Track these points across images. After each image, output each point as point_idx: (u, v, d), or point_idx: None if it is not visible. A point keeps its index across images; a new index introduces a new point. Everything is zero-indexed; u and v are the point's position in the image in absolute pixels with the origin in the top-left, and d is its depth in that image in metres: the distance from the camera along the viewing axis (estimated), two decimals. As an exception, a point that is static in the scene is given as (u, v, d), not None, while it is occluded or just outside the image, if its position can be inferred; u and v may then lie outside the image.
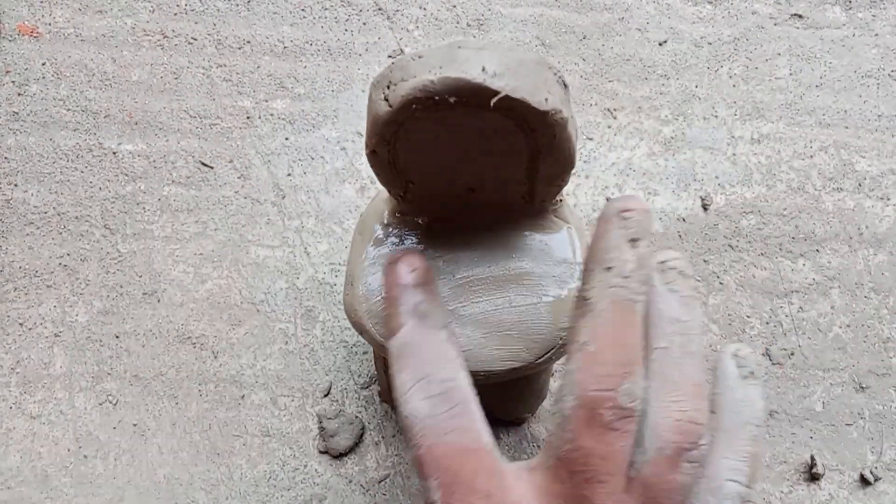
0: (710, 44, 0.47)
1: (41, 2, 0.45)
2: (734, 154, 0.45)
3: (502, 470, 0.25)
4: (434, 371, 0.27)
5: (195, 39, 0.45)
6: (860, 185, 0.45)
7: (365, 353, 0.41)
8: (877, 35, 0.47)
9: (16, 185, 0.43)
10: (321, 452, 0.40)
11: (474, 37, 0.46)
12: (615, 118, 0.45)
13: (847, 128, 0.46)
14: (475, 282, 0.30)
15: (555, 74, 0.23)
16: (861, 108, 0.46)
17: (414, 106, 0.22)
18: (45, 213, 0.42)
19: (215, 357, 0.41)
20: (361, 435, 0.40)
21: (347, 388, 0.41)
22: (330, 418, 0.40)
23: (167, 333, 0.41)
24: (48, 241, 0.42)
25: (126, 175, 0.43)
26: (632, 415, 0.23)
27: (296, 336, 0.41)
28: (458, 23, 0.46)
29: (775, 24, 0.47)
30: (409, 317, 0.28)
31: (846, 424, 0.41)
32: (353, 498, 0.39)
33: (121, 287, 0.42)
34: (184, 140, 0.44)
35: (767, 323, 0.42)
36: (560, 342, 0.29)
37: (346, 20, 0.46)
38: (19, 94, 0.44)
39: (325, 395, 0.41)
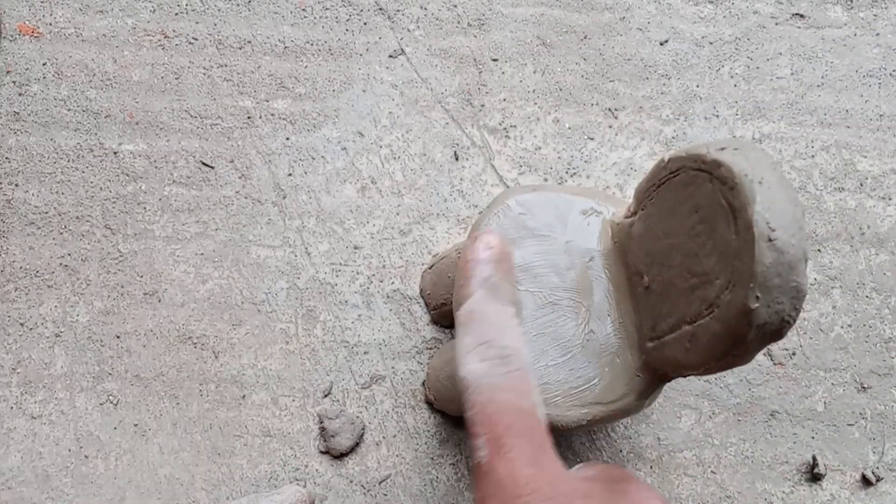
0: (711, 43, 0.47)
1: (42, 2, 0.45)
2: (735, 154, 0.45)
3: (549, 439, 0.25)
4: (496, 337, 0.27)
5: (196, 39, 0.45)
6: (862, 184, 0.45)
7: (366, 352, 0.41)
8: (878, 35, 0.47)
9: (17, 185, 0.42)
10: (322, 453, 0.40)
11: (475, 37, 0.46)
12: (616, 118, 0.45)
13: (849, 127, 0.46)
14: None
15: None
16: (863, 108, 0.46)
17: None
18: (46, 213, 0.42)
19: (216, 357, 0.41)
20: (362, 435, 0.40)
21: (348, 388, 0.41)
22: (331, 418, 0.40)
23: (168, 333, 0.41)
24: (49, 241, 0.42)
25: (127, 175, 0.43)
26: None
27: (297, 336, 0.41)
28: (458, 22, 0.46)
29: (776, 24, 0.47)
30: (479, 287, 0.28)
31: (848, 425, 0.41)
32: (354, 498, 0.39)
33: (122, 287, 0.42)
34: (185, 140, 0.44)
35: (769, 323, 0.42)
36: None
37: (347, 20, 0.46)
38: (20, 95, 0.44)
39: (326, 396, 0.41)
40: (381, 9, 0.46)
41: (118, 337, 0.41)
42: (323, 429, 0.40)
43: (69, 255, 0.42)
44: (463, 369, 0.26)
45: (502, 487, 0.24)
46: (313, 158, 0.44)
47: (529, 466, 0.24)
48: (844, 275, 0.44)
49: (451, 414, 0.40)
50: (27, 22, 0.45)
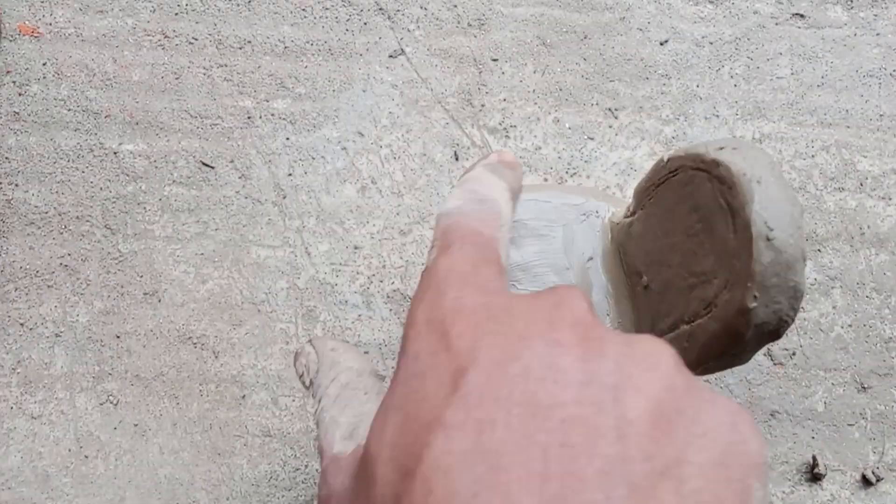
0: (711, 43, 0.47)
1: (42, 2, 0.45)
2: (735, 154, 0.45)
3: (502, 271, 0.24)
4: (480, 191, 0.26)
5: (196, 39, 0.45)
6: (862, 184, 0.45)
7: (366, 352, 0.41)
8: (878, 34, 0.47)
9: (16, 185, 0.43)
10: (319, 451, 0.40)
11: (475, 37, 0.46)
12: (616, 118, 0.45)
13: (849, 127, 0.46)
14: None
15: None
16: (863, 108, 0.46)
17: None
18: (46, 213, 0.42)
19: (216, 357, 0.41)
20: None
21: (348, 388, 0.41)
22: (331, 418, 0.40)
23: (168, 333, 0.41)
24: (49, 241, 0.42)
25: (127, 175, 0.43)
26: None
27: (297, 336, 0.41)
28: (458, 22, 0.46)
29: (777, 24, 0.47)
30: (482, 166, 0.27)
31: (848, 425, 0.41)
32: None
33: (122, 287, 0.42)
34: (185, 140, 0.44)
35: (769, 323, 0.42)
36: None
37: (347, 20, 0.46)
38: (20, 95, 0.44)
39: (326, 396, 0.41)
40: (381, 9, 0.46)
41: (118, 337, 0.41)
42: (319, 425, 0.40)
43: (69, 255, 0.42)
44: (441, 209, 0.25)
45: (435, 277, 0.22)
46: (313, 158, 0.44)
47: (469, 265, 0.22)
48: (844, 275, 0.44)
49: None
50: (27, 22, 0.45)
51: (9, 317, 0.41)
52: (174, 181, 0.43)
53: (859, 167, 0.45)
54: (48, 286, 0.42)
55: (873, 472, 0.40)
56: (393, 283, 0.42)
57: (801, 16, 0.48)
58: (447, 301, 0.20)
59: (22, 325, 0.41)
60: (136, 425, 0.40)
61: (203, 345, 0.41)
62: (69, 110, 0.44)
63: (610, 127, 0.45)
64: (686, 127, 0.46)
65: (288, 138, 0.44)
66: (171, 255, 0.42)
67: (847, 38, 0.47)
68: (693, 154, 0.25)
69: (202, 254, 0.42)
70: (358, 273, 0.42)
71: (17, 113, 0.44)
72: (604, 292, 0.31)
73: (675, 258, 0.26)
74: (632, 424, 0.17)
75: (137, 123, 0.44)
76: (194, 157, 0.44)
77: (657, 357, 0.18)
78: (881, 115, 0.46)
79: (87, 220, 0.43)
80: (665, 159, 0.27)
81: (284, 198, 0.43)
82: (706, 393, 0.18)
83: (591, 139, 0.45)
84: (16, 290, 0.41)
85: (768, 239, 0.22)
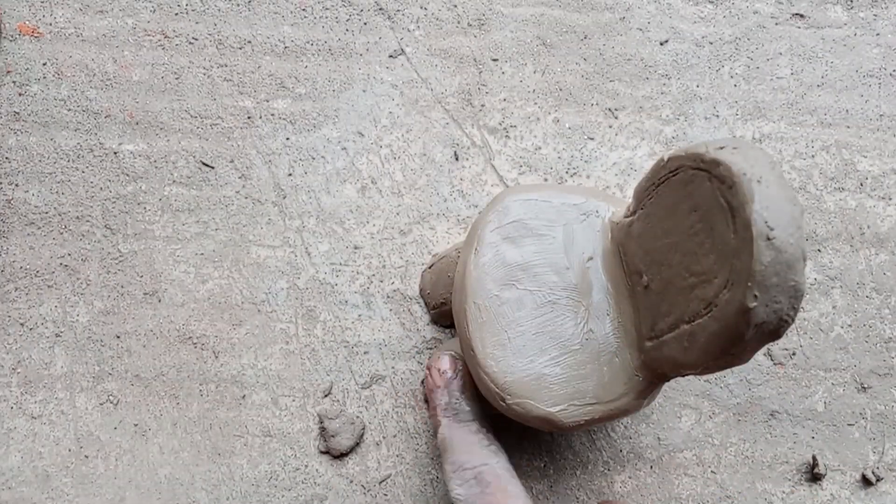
0: (711, 43, 0.47)
1: (42, 2, 0.45)
2: (735, 154, 0.45)
3: None
4: (467, 460, 0.33)
5: (196, 39, 0.45)
6: (862, 184, 0.45)
7: (366, 352, 0.41)
8: (878, 35, 0.47)
9: (17, 185, 0.43)
10: (322, 452, 0.40)
11: (475, 37, 0.46)
12: (616, 118, 0.45)
13: (849, 127, 0.46)
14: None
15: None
16: (863, 108, 0.46)
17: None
18: (46, 213, 0.42)
19: (216, 357, 0.41)
20: (362, 435, 0.40)
21: (348, 388, 0.41)
22: (331, 418, 0.40)
23: (168, 333, 0.41)
24: (49, 241, 0.42)
25: (127, 175, 0.43)
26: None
27: (297, 336, 0.41)
28: (458, 22, 0.46)
29: (776, 24, 0.47)
30: (443, 415, 0.35)
31: (848, 425, 0.41)
32: (354, 498, 0.39)
33: (122, 287, 0.42)
34: (185, 140, 0.44)
35: (769, 323, 0.42)
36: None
37: (347, 20, 0.46)
38: (20, 95, 0.44)
39: (326, 395, 0.41)
40: (381, 9, 0.46)
41: (118, 337, 0.41)
42: (323, 429, 0.40)
43: (69, 255, 0.42)
44: (451, 495, 0.33)
45: None
46: (313, 158, 0.44)
47: None
48: (844, 275, 0.44)
49: (450, 414, 0.40)
50: (27, 22, 0.45)
51: (9, 317, 0.41)
52: (174, 181, 0.43)
53: (859, 167, 0.45)
54: (48, 286, 0.42)
55: (873, 472, 0.40)
56: (393, 283, 0.42)
57: (801, 16, 0.48)
58: None
59: (22, 325, 0.41)
60: (136, 425, 0.40)
61: (203, 345, 0.41)
62: (69, 110, 0.44)
63: (610, 127, 0.45)
64: (686, 127, 0.46)
65: (288, 138, 0.44)
66: (171, 255, 0.42)
67: (847, 38, 0.47)
68: (693, 154, 0.25)
69: (202, 254, 0.42)
70: (358, 273, 0.42)
71: (18, 113, 0.44)
72: (604, 292, 0.31)
73: (676, 258, 0.26)
74: None
75: (137, 123, 0.44)
76: (194, 157, 0.44)
77: None
78: (881, 115, 0.46)
79: (87, 220, 0.43)
80: (665, 159, 0.27)
81: (284, 198, 0.43)
82: None
83: (591, 139, 0.45)
84: (16, 290, 0.41)
85: (768, 238, 0.22)
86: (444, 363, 0.36)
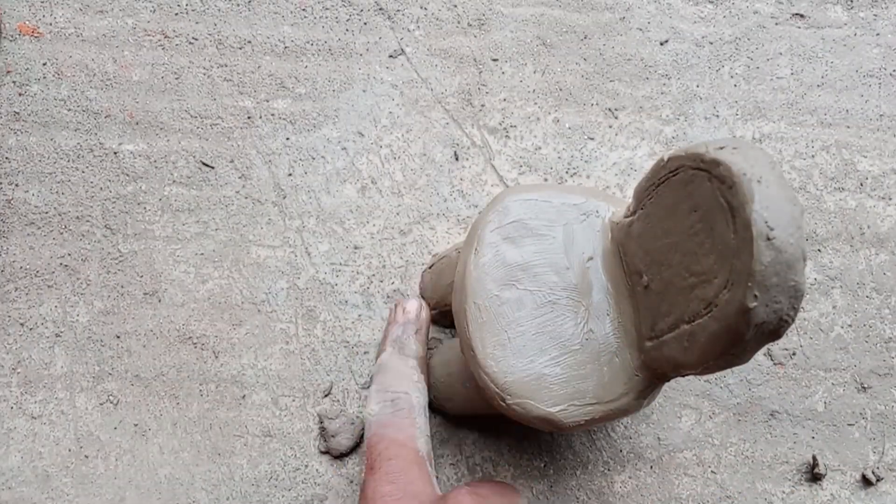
0: (711, 43, 0.47)
1: (42, 2, 0.45)
2: (735, 154, 0.45)
3: (420, 463, 0.32)
4: (393, 384, 0.35)
5: (196, 39, 0.45)
6: (862, 184, 0.45)
7: (366, 353, 0.41)
8: (878, 34, 0.47)
9: (17, 185, 0.43)
10: (322, 453, 0.40)
11: (475, 37, 0.46)
12: (616, 118, 0.45)
13: (849, 127, 0.46)
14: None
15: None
16: (863, 108, 0.46)
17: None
18: (46, 213, 0.42)
19: (216, 357, 0.41)
20: (362, 435, 0.40)
21: (348, 388, 0.41)
22: (331, 418, 0.40)
23: (168, 333, 0.41)
24: (49, 241, 0.42)
25: (127, 175, 0.43)
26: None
27: (297, 336, 0.41)
28: (458, 22, 0.46)
29: (776, 24, 0.47)
30: (390, 345, 0.37)
31: (848, 425, 0.41)
32: (354, 498, 0.39)
33: (122, 287, 0.42)
34: (185, 140, 0.44)
35: (769, 323, 0.42)
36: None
37: (347, 20, 0.46)
38: (20, 95, 0.44)
39: (326, 396, 0.41)
40: (381, 9, 0.46)
41: (118, 337, 0.41)
42: (323, 429, 0.40)
43: (69, 255, 0.42)
44: (365, 410, 0.35)
45: (364, 499, 0.31)
46: (313, 158, 0.44)
47: (389, 484, 0.30)
48: (844, 275, 0.44)
49: (450, 413, 0.40)
50: (27, 22, 0.45)
51: (9, 317, 0.41)
52: (174, 181, 0.43)
53: (859, 167, 0.45)
54: (48, 286, 0.42)
55: (873, 472, 0.40)
56: (393, 283, 0.42)
57: (801, 16, 0.48)
58: None
59: (22, 325, 0.41)
60: (136, 425, 0.40)
61: (203, 345, 0.41)
62: (69, 110, 0.44)
63: (610, 127, 0.45)
64: (686, 127, 0.46)
65: (288, 138, 0.44)
66: (171, 255, 0.42)
67: (847, 38, 0.47)
68: (693, 153, 0.25)
69: (202, 254, 0.42)
70: (358, 273, 0.42)
71: (18, 113, 0.44)
72: (604, 292, 0.31)
73: (676, 258, 0.26)
74: None
75: (137, 123, 0.44)
76: (194, 157, 0.44)
77: None
78: (881, 115, 0.46)
79: (87, 220, 0.43)
80: (665, 159, 0.27)
81: (284, 198, 0.43)
82: None
83: (591, 139, 0.45)
84: (16, 290, 0.41)
85: (768, 238, 0.22)
86: (411, 305, 0.38)
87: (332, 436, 0.39)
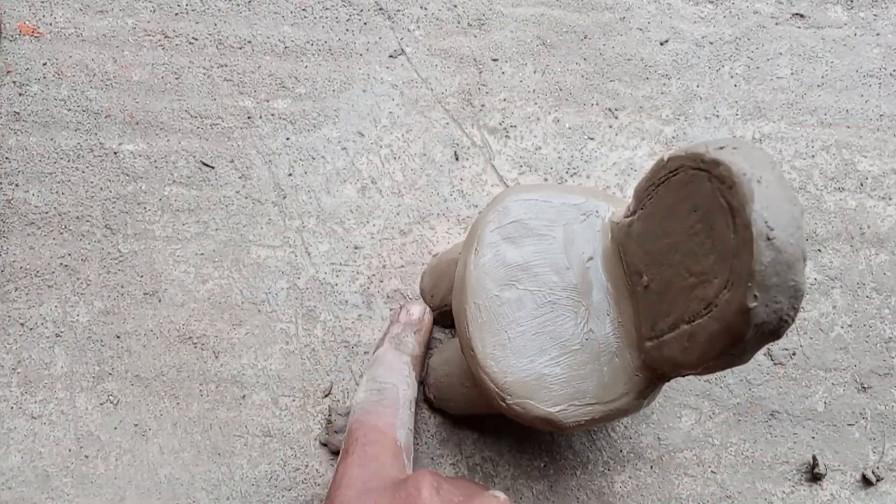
0: (711, 43, 0.47)
1: (42, 2, 0.45)
2: (735, 154, 0.45)
3: (396, 453, 0.32)
4: (382, 376, 0.35)
5: (196, 39, 0.45)
6: (862, 184, 0.45)
7: (366, 353, 0.41)
8: (878, 34, 0.47)
9: (17, 185, 0.43)
10: (322, 444, 0.40)
11: (475, 37, 0.46)
12: (616, 118, 0.45)
13: (849, 127, 0.46)
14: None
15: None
16: (863, 108, 0.46)
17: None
18: (46, 213, 0.42)
19: (216, 357, 0.41)
20: (362, 435, 0.40)
21: (349, 388, 0.41)
22: (340, 414, 0.40)
23: (168, 333, 0.41)
24: (49, 241, 0.42)
25: (127, 175, 0.43)
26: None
27: (297, 336, 0.41)
28: (458, 22, 0.46)
29: (777, 24, 0.47)
30: (388, 341, 0.38)
31: (848, 425, 0.41)
32: (354, 498, 0.39)
33: (122, 287, 0.42)
34: (185, 140, 0.44)
35: (769, 323, 0.42)
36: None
37: (347, 20, 0.46)
38: (20, 95, 0.44)
39: (326, 396, 0.41)
40: (381, 9, 0.46)
41: (118, 337, 0.41)
42: (329, 422, 0.40)
43: (69, 255, 0.42)
44: (354, 398, 0.35)
45: (334, 480, 0.31)
46: (313, 158, 0.44)
47: (359, 467, 0.30)
48: (844, 275, 0.44)
49: (450, 413, 0.40)
50: (27, 22, 0.45)
51: (9, 317, 0.41)
52: (174, 181, 0.43)
53: (859, 167, 0.45)
54: (48, 286, 0.42)
55: (873, 472, 0.40)
56: (393, 283, 0.42)
57: (801, 16, 0.48)
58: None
59: (22, 325, 0.41)
60: (136, 425, 0.40)
61: (203, 345, 0.41)
62: (69, 110, 0.44)
63: (610, 127, 0.45)
64: (686, 127, 0.46)
65: (288, 138, 0.44)
66: (171, 255, 0.42)
67: (847, 38, 0.47)
68: (693, 154, 0.25)
69: (202, 254, 0.42)
70: (358, 273, 0.42)
71: (18, 113, 0.44)
72: (604, 292, 0.31)
73: (676, 258, 0.26)
74: None
75: (137, 123, 0.44)
76: (194, 157, 0.44)
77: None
78: (881, 115, 0.46)
79: (87, 220, 0.43)
80: (665, 159, 0.27)
81: (284, 198, 0.43)
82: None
83: (591, 139, 0.45)
84: (16, 290, 0.41)
85: (768, 238, 0.22)
86: (416, 309, 0.39)
87: (336, 431, 0.39)
